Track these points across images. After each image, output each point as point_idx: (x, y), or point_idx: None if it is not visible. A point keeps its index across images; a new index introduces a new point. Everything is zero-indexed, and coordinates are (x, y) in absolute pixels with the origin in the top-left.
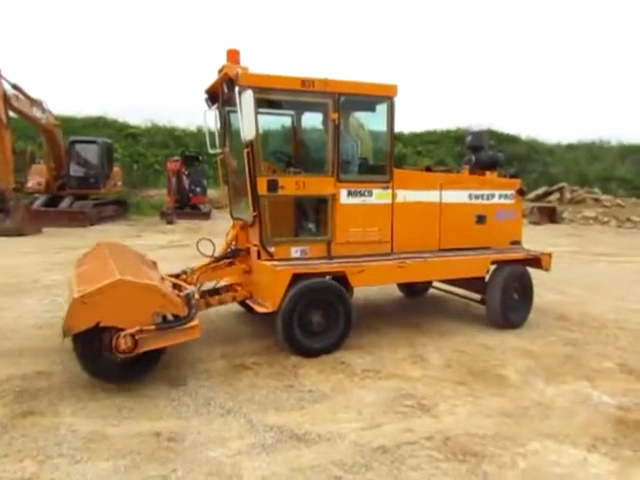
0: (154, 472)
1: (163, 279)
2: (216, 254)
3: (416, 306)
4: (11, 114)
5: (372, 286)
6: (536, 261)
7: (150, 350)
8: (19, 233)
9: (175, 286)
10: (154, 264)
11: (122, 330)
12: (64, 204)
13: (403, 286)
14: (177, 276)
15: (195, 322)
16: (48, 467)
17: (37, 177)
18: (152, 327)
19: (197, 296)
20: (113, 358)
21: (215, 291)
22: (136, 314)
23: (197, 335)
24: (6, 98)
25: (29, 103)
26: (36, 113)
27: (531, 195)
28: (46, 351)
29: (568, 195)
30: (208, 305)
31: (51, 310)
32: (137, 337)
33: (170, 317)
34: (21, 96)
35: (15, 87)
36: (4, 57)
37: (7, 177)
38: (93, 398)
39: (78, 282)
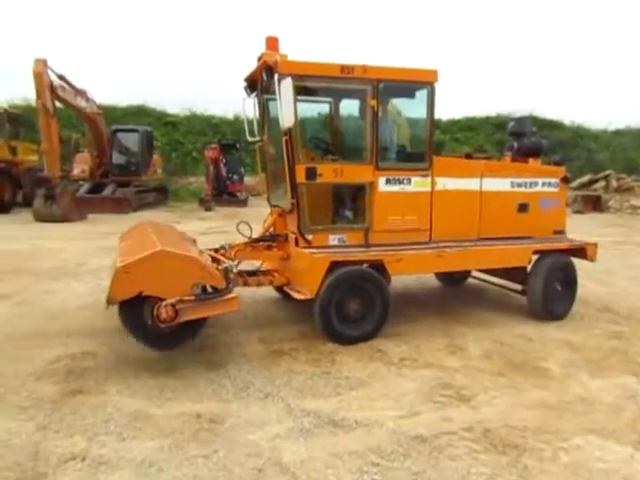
0: (196, 452)
1: (202, 253)
2: (254, 237)
3: (454, 295)
4: (57, 104)
5: (410, 275)
6: (580, 251)
7: (191, 320)
8: (65, 219)
9: (214, 260)
10: (194, 241)
11: (163, 300)
12: (107, 191)
13: (441, 275)
14: (216, 251)
15: (233, 294)
16: (96, 443)
17: (81, 165)
18: (192, 298)
19: (235, 270)
20: (156, 327)
21: (253, 273)
22: (176, 285)
23: (236, 307)
24: (53, 88)
25: (74, 93)
26: (80, 103)
27: (575, 183)
28: (92, 332)
29: (614, 183)
30: (246, 284)
31: (95, 293)
32: (177, 307)
33: (209, 289)
34: (66, 86)
35: (61, 77)
36: (49, 48)
37: (54, 165)
38: (137, 378)
39: (121, 254)
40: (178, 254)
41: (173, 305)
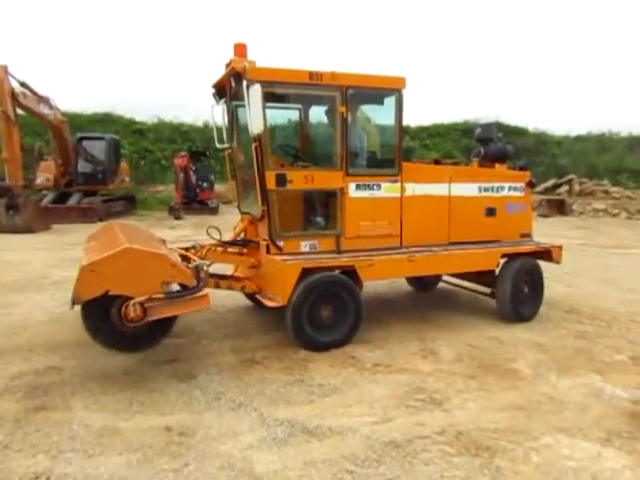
0: (166, 466)
1: (171, 251)
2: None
3: (426, 300)
4: (19, 111)
5: (382, 280)
6: (547, 254)
7: (160, 321)
8: (28, 230)
9: (184, 258)
10: (163, 241)
11: (131, 299)
12: (73, 200)
13: (413, 280)
14: (186, 250)
15: (205, 292)
16: (61, 462)
17: (45, 173)
18: (161, 295)
19: (206, 268)
20: (122, 327)
21: (225, 276)
22: (145, 283)
23: (207, 305)
24: (14, 95)
25: (37, 100)
26: (43, 110)
27: (540, 188)
28: (57, 346)
29: (577, 187)
30: (217, 286)
31: (61, 305)
32: (146, 305)
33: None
34: (29, 93)
35: (23, 84)
36: (11, 55)
37: (16, 174)
38: (104, 392)
39: (87, 253)
40: (146, 251)
41: (142, 303)
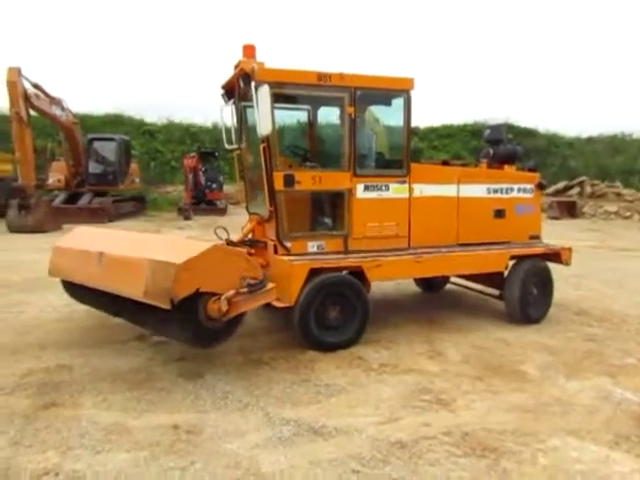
0: (173, 464)
1: None
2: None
3: (433, 301)
4: (31, 112)
5: (389, 281)
6: (556, 256)
7: (233, 317)
8: (40, 229)
9: None
10: None
11: (216, 295)
12: (83, 201)
13: (420, 281)
14: None
15: (272, 285)
16: (70, 458)
17: (57, 174)
18: (245, 290)
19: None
20: (208, 324)
21: None
22: (229, 279)
23: (275, 296)
24: (27, 97)
25: (49, 101)
26: (55, 111)
27: (550, 189)
28: (67, 345)
29: (589, 189)
30: None
31: (71, 304)
32: (234, 300)
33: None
34: (41, 95)
35: (36, 86)
36: (24, 56)
37: (28, 174)
38: (113, 391)
39: (143, 251)
40: (228, 249)
41: (229, 298)
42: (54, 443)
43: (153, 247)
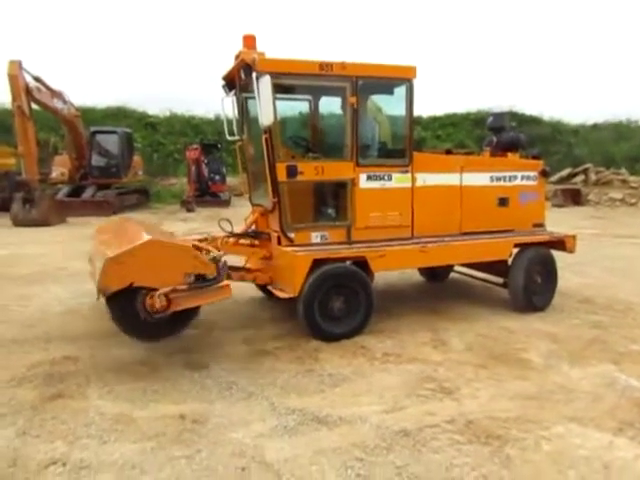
0: (179, 453)
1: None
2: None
3: (437, 291)
4: (33, 106)
5: (393, 271)
6: (560, 243)
7: (182, 311)
8: (44, 223)
9: (199, 249)
10: (171, 234)
11: (155, 290)
12: (87, 194)
13: (424, 271)
14: (199, 241)
15: (226, 282)
16: (77, 448)
17: (60, 168)
18: (185, 287)
19: (224, 259)
20: (146, 318)
21: (237, 268)
22: (168, 274)
23: (229, 294)
24: (28, 90)
25: (50, 95)
26: (57, 104)
27: (555, 177)
28: (73, 337)
29: (593, 177)
30: (229, 277)
31: (76, 297)
32: (171, 296)
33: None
34: (43, 88)
35: (37, 79)
36: (24, 49)
37: (31, 168)
38: (119, 381)
39: (107, 246)
40: (169, 243)
41: (166, 294)
42: (61, 433)
43: (123, 240)
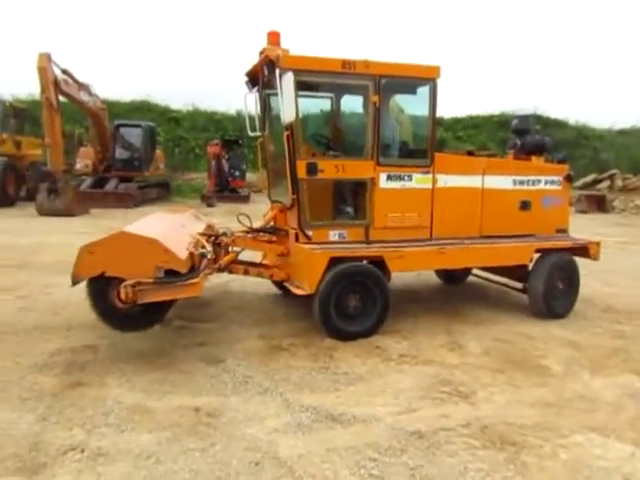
0: (193, 445)
1: (193, 237)
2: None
3: (454, 293)
4: (60, 98)
5: (410, 272)
6: (583, 250)
7: (159, 304)
8: (69, 213)
9: (214, 244)
10: (210, 226)
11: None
12: (110, 186)
13: (442, 273)
14: (216, 236)
15: (196, 280)
16: (95, 435)
17: (84, 159)
18: (150, 280)
19: (210, 256)
20: (119, 306)
21: (254, 264)
22: (138, 266)
23: (197, 293)
24: (57, 83)
25: (77, 87)
26: (84, 97)
27: (579, 183)
28: (93, 326)
29: (620, 183)
30: (246, 273)
31: None
32: (136, 289)
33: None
34: (70, 80)
35: (65, 72)
36: (53, 42)
37: (57, 159)
38: (137, 372)
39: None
40: (139, 236)
41: (133, 286)
42: (79, 421)
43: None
